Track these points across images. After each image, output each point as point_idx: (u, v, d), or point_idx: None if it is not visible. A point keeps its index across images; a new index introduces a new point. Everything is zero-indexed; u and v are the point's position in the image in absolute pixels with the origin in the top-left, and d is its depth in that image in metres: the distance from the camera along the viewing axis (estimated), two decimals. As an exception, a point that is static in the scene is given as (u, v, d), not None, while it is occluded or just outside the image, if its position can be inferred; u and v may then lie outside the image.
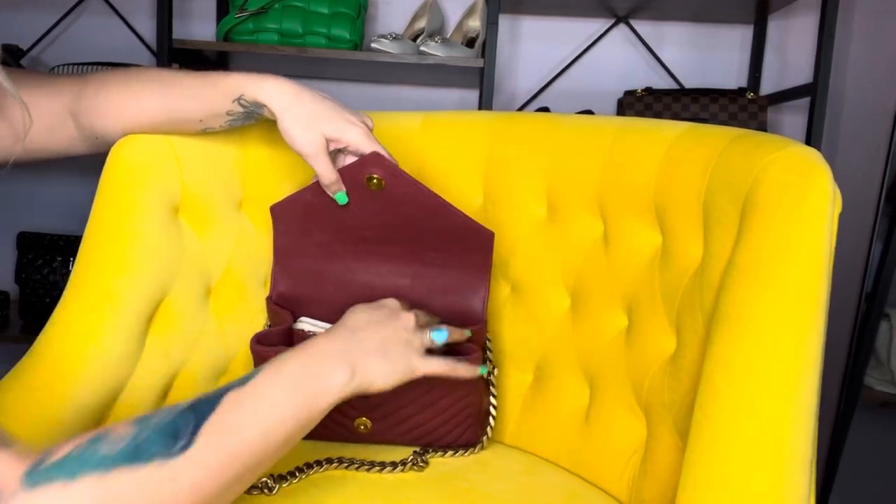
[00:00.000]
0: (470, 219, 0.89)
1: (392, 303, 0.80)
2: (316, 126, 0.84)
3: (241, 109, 0.85)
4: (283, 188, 1.01)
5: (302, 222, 0.93)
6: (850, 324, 1.93)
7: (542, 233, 1.01)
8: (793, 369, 0.62)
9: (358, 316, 0.76)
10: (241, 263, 0.99)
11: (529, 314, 1.02)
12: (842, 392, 1.93)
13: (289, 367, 0.66)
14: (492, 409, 0.97)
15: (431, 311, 0.89)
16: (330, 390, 0.68)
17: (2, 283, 2.04)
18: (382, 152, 0.85)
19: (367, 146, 0.85)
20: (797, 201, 0.67)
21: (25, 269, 1.92)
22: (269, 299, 0.97)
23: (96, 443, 0.54)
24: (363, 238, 0.93)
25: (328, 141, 0.85)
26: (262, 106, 0.84)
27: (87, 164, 2.04)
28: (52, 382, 0.81)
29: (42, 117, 0.86)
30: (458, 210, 0.88)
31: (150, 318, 0.91)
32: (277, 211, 0.93)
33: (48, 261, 1.92)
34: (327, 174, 0.85)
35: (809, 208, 0.66)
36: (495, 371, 0.97)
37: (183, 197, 0.93)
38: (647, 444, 0.85)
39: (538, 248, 1.00)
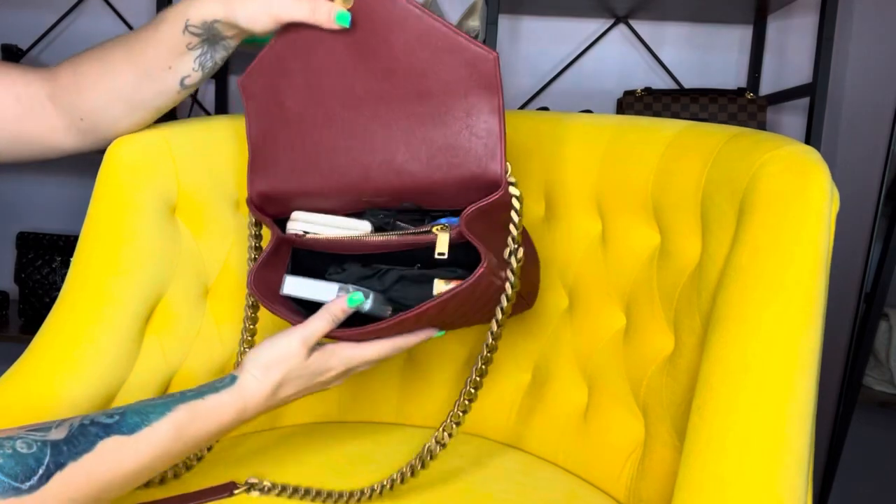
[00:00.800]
0: (465, 37, 0.71)
1: (332, 373, 0.79)
2: None
3: (197, 38, 0.79)
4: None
5: (274, 91, 0.80)
6: (849, 323, 1.93)
7: (540, 231, 1.01)
8: (789, 369, 0.62)
9: (288, 387, 0.76)
10: (238, 263, 0.98)
11: (527, 313, 1.02)
12: (841, 391, 1.93)
13: (190, 431, 0.66)
14: (504, 297, 0.80)
15: (440, 188, 0.76)
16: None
17: (1, 283, 2.04)
18: None
19: None
20: (794, 200, 0.67)
21: (25, 268, 1.92)
22: (249, 202, 0.85)
23: None
24: (339, 97, 0.78)
25: None
26: (213, 21, 0.77)
27: (87, 165, 2.05)
28: (48, 382, 0.81)
29: (21, 100, 0.83)
30: (450, 26, 0.72)
31: (146, 319, 0.91)
32: (248, 83, 0.82)
33: (48, 261, 1.92)
34: (304, 10, 0.74)
35: (806, 207, 0.66)
36: (520, 252, 0.78)
37: (179, 196, 0.93)
38: (645, 443, 0.85)
39: (537, 247, 1.00)
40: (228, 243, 0.99)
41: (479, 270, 0.73)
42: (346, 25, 0.73)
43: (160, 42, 0.80)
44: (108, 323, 0.86)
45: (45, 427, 0.57)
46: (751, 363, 0.63)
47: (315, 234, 0.82)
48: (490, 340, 0.81)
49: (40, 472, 0.54)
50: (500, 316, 0.80)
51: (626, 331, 0.90)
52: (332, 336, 0.78)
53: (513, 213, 0.76)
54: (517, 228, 0.77)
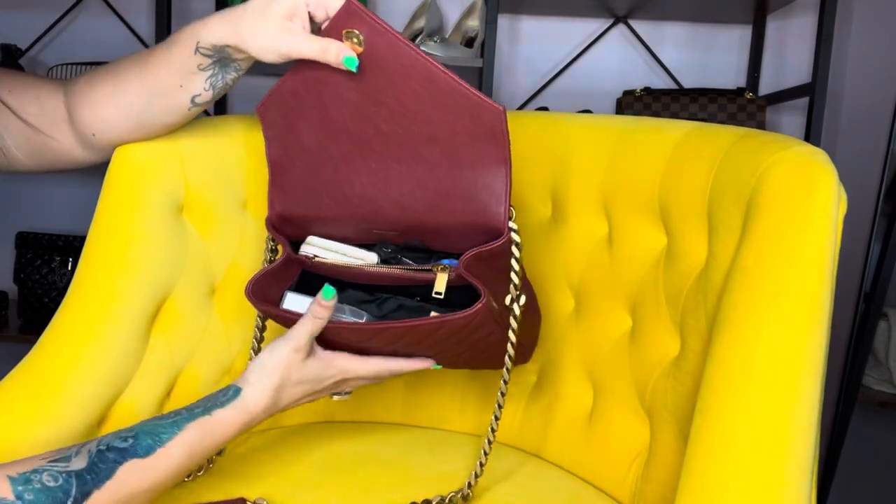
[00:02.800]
0: (468, 89, 0.72)
1: (330, 381, 0.82)
2: (271, 14, 0.75)
3: (208, 59, 0.79)
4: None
5: (290, 122, 0.82)
6: (848, 323, 1.93)
7: (547, 233, 1.00)
8: (794, 373, 0.62)
9: (289, 393, 0.79)
10: (245, 263, 0.98)
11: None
12: (840, 391, 1.93)
13: (200, 448, 0.70)
14: (509, 346, 0.82)
15: (444, 227, 0.79)
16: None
17: (1, 283, 2.03)
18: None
19: None
20: (801, 202, 0.66)
21: (24, 268, 1.92)
22: (267, 221, 0.88)
23: None
24: (353, 136, 0.79)
25: (291, 17, 0.75)
26: (223, 45, 0.78)
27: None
28: (55, 380, 0.81)
29: (32, 119, 0.85)
30: (453, 77, 0.72)
31: (153, 317, 0.91)
32: (264, 111, 0.84)
33: (47, 261, 1.91)
34: (315, 49, 0.74)
35: (813, 209, 0.65)
36: (522, 299, 0.80)
37: (187, 196, 0.93)
38: (650, 447, 0.85)
39: (543, 248, 1.00)
40: (235, 243, 0.98)
41: (477, 306, 0.75)
42: (353, 70, 0.74)
43: (172, 62, 0.80)
44: (115, 321, 0.86)
45: (65, 456, 0.61)
46: (755, 366, 0.63)
47: (323, 258, 0.85)
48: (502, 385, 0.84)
49: (69, 503, 0.58)
50: (508, 363, 0.83)
51: (631, 333, 0.90)
52: (329, 339, 0.81)
53: (513, 262, 0.78)
54: (518, 276, 0.79)
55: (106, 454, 0.62)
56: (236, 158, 0.97)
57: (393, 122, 0.76)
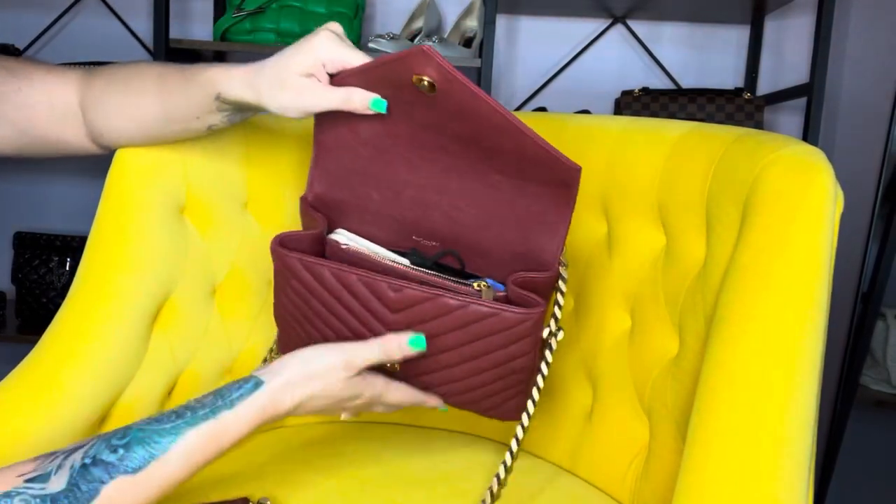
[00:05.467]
0: (550, 147, 0.70)
1: (359, 401, 0.75)
2: (288, 75, 0.74)
3: (227, 107, 0.80)
4: (289, 188, 1.01)
5: (347, 116, 0.77)
6: (846, 323, 1.94)
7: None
8: (791, 372, 0.62)
9: (314, 403, 0.71)
10: (245, 263, 0.99)
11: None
12: (838, 391, 1.94)
13: (205, 453, 0.62)
14: (539, 379, 0.77)
15: (489, 247, 0.78)
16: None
17: (-2, 283, 2.04)
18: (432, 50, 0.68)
19: (343, 52, 0.74)
20: (797, 201, 0.66)
21: (22, 269, 1.92)
22: (303, 199, 0.83)
23: None
24: (418, 142, 0.77)
25: (309, 77, 0.74)
26: (244, 103, 0.78)
27: (85, 165, 2.04)
28: (56, 379, 0.81)
29: (55, 106, 0.84)
30: (535, 134, 0.70)
31: (154, 317, 0.91)
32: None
33: (45, 261, 1.91)
34: (336, 100, 0.74)
35: (809, 208, 0.65)
36: (560, 334, 0.76)
37: (188, 197, 0.93)
38: (649, 446, 0.85)
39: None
40: (236, 243, 0.99)
41: (538, 309, 0.71)
42: (383, 112, 0.74)
43: (190, 98, 0.80)
44: (116, 321, 0.86)
45: (45, 474, 0.54)
46: (752, 365, 0.63)
47: (359, 248, 0.80)
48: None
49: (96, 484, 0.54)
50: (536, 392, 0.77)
51: (631, 333, 0.90)
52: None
53: (558, 295, 0.77)
54: (560, 309, 0.77)
55: (90, 470, 0.55)
56: (237, 159, 0.97)
57: (462, 146, 0.74)
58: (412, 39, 1.87)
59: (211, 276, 0.97)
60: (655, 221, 0.87)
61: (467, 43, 1.85)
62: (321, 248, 0.82)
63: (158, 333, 0.91)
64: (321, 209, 0.83)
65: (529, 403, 0.77)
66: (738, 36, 2.01)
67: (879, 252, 1.88)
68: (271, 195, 1.01)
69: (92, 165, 2.04)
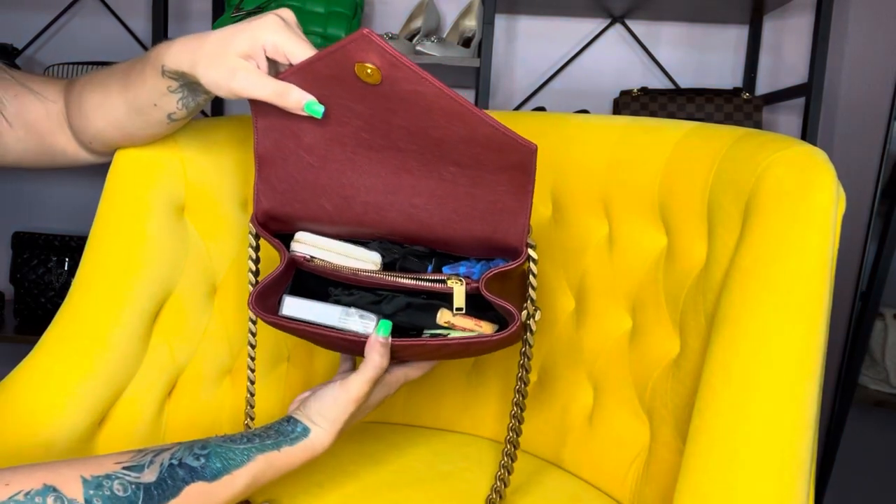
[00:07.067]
0: (503, 127, 0.67)
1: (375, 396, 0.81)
2: (226, 53, 0.71)
3: (175, 82, 0.77)
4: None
5: (289, 117, 0.74)
6: (844, 323, 1.94)
7: (547, 233, 1.00)
8: (792, 373, 0.62)
9: (349, 420, 0.78)
10: (245, 263, 0.98)
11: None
12: (836, 391, 1.94)
13: (262, 479, 0.70)
14: (524, 359, 0.80)
15: (455, 240, 0.79)
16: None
17: (-3, 284, 2.03)
18: (374, 35, 0.64)
19: (287, 40, 0.70)
20: (799, 201, 0.66)
21: (20, 269, 1.92)
22: (253, 221, 0.81)
23: None
24: (364, 142, 0.73)
25: (248, 57, 0.71)
26: (184, 73, 0.74)
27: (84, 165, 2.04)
28: (56, 379, 0.81)
29: (50, 114, 0.86)
30: (487, 115, 0.67)
31: (154, 317, 0.91)
32: (257, 103, 0.75)
33: (43, 261, 1.91)
34: (267, 90, 0.70)
35: (813, 209, 0.65)
36: (538, 314, 0.78)
37: (187, 197, 0.93)
38: (650, 447, 0.85)
39: (543, 249, 1.00)
40: (236, 243, 0.99)
41: (513, 327, 0.74)
42: (318, 117, 0.71)
43: (145, 82, 0.79)
44: (117, 321, 0.86)
45: (139, 465, 0.62)
46: (753, 366, 0.63)
47: (324, 259, 0.81)
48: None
49: None
50: (522, 383, 0.81)
51: (631, 333, 0.90)
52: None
53: (531, 277, 0.78)
54: (534, 290, 0.78)
55: (176, 470, 0.63)
56: (237, 159, 0.97)
57: (411, 140, 0.72)
58: (411, 39, 1.86)
59: (211, 277, 0.97)
60: (656, 221, 0.87)
61: (466, 43, 1.84)
62: (292, 267, 0.83)
63: (158, 334, 0.91)
64: (271, 224, 0.82)
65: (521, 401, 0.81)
66: (736, 36, 2.01)
67: (878, 251, 1.88)
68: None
69: (92, 166, 2.04)
